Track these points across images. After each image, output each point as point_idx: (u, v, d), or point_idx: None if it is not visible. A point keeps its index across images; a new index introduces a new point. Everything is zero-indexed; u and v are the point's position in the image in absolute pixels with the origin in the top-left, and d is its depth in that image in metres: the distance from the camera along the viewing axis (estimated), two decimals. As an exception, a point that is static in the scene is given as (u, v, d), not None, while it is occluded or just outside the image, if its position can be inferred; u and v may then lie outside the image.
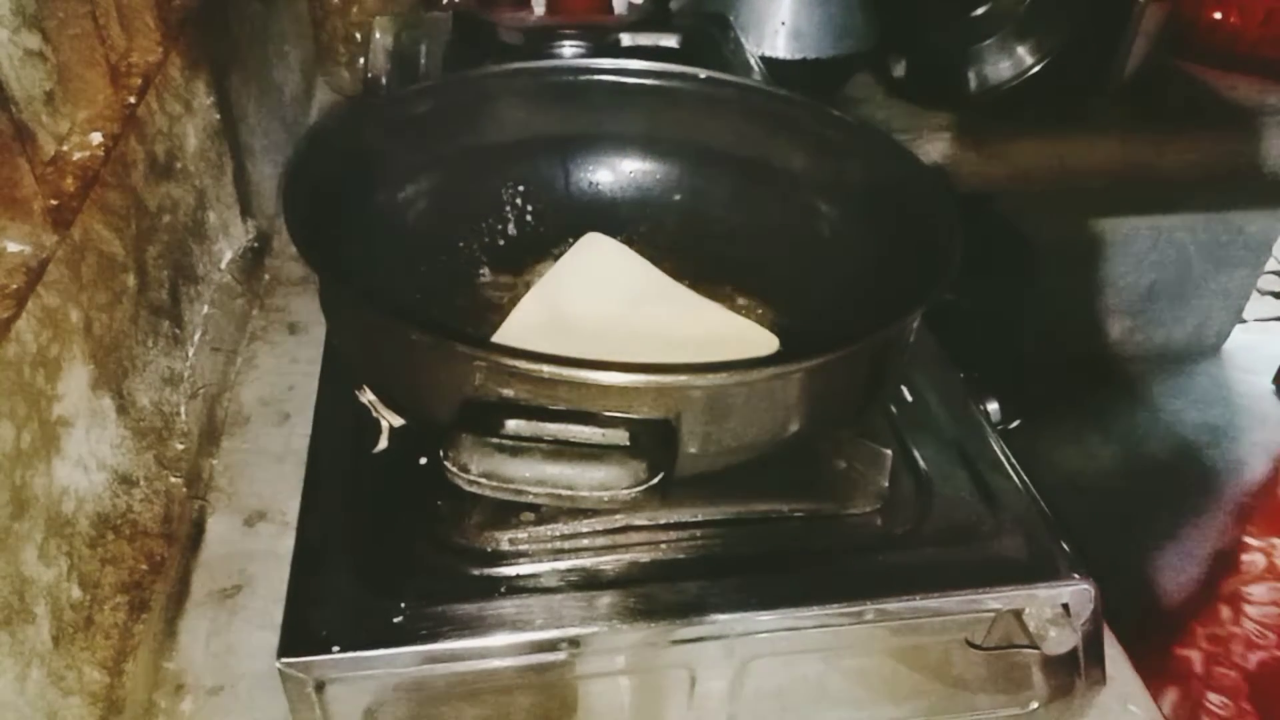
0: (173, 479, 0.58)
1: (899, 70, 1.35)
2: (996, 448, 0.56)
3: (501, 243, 0.67)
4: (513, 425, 0.41)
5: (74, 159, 0.50)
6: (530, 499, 0.41)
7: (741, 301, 0.64)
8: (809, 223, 0.65)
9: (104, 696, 0.47)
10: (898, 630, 0.49)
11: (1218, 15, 1.50)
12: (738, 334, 0.61)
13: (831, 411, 0.49)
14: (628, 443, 0.41)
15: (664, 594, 0.46)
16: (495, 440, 0.40)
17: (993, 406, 0.60)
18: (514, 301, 0.62)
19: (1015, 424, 0.61)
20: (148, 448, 0.56)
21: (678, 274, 0.65)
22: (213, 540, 0.60)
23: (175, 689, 0.52)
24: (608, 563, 0.48)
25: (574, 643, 0.45)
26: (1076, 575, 0.48)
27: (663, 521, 0.50)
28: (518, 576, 0.47)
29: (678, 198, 0.69)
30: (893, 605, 0.47)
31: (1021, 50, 1.27)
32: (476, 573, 0.47)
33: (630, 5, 1.23)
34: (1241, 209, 1.67)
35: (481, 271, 0.65)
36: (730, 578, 0.47)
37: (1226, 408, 1.88)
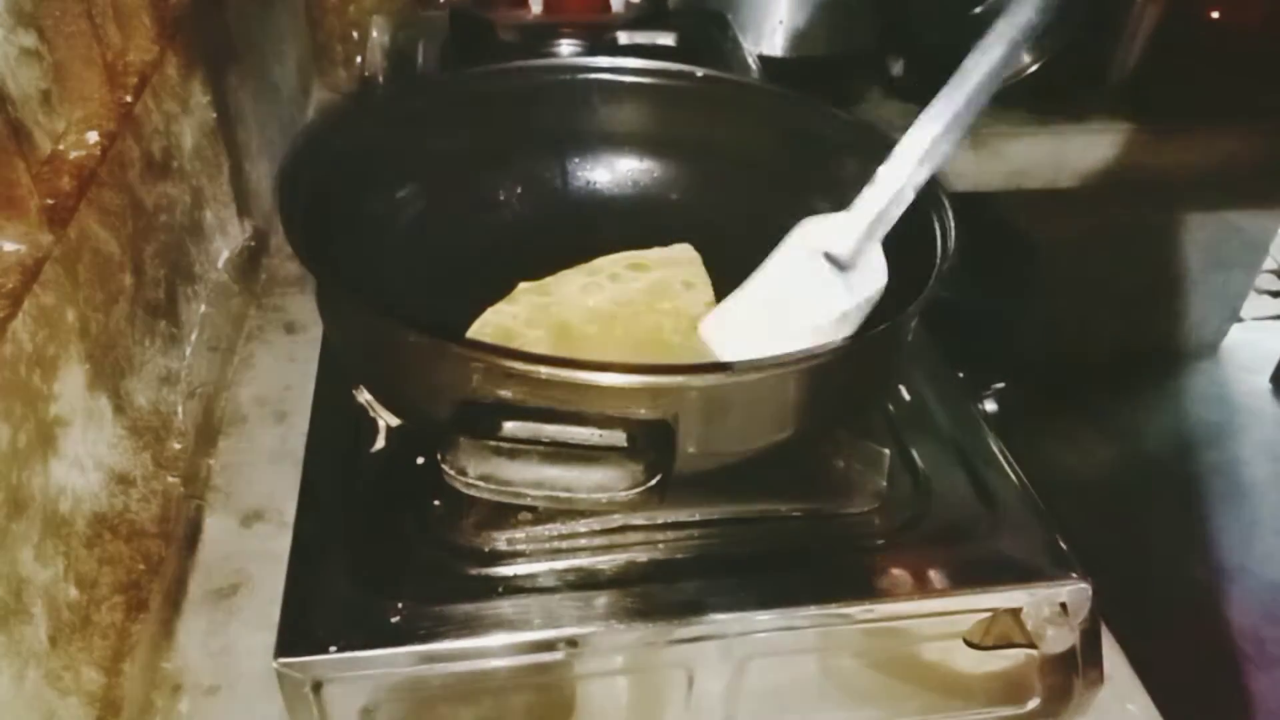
0: (170, 479, 0.58)
1: (897, 69, 1.35)
2: (995, 447, 0.56)
3: (499, 242, 0.67)
4: (510, 427, 0.41)
5: (70, 158, 0.50)
6: (528, 501, 0.40)
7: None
8: (807, 222, 0.64)
9: (101, 696, 0.47)
10: (895, 630, 0.49)
11: (1215, 15, 1.50)
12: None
13: (830, 411, 0.49)
14: (625, 444, 0.41)
15: (662, 594, 0.46)
16: (493, 443, 0.40)
17: (991, 406, 0.60)
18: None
19: (1012, 422, 0.61)
20: (144, 447, 0.55)
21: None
22: (210, 540, 0.60)
23: (172, 689, 0.52)
24: (605, 562, 0.48)
25: (571, 643, 0.45)
26: (1074, 574, 0.48)
27: (661, 521, 0.50)
28: (515, 576, 0.47)
29: (675, 196, 0.69)
30: (890, 605, 0.47)
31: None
32: (474, 573, 0.47)
33: (628, 3, 1.22)
34: (1239, 208, 1.67)
35: (479, 271, 0.65)
36: (728, 577, 0.47)
37: (1224, 406, 1.88)
